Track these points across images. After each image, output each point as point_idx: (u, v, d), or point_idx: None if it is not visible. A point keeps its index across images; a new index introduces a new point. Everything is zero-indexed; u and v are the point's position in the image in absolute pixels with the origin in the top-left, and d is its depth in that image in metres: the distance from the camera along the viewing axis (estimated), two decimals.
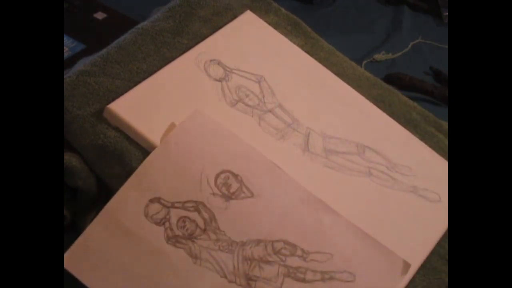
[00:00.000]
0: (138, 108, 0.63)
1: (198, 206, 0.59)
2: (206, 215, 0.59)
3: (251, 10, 0.77)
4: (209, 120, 0.64)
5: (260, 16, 0.77)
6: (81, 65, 0.67)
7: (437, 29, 1.02)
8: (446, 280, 0.62)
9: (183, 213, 0.59)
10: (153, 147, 0.61)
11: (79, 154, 0.63)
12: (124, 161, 0.61)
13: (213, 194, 0.60)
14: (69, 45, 0.84)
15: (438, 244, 0.64)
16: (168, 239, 0.58)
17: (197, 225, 0.59)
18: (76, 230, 0.62)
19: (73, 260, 0.57)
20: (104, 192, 0.63)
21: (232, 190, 0.60)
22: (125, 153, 0.61)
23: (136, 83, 0.66)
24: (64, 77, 0.65)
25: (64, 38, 0.84)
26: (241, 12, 0.76)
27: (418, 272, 0.62)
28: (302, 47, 0.77)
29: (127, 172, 0.60)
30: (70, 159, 0.62)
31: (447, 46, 0.97)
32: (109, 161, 0.62)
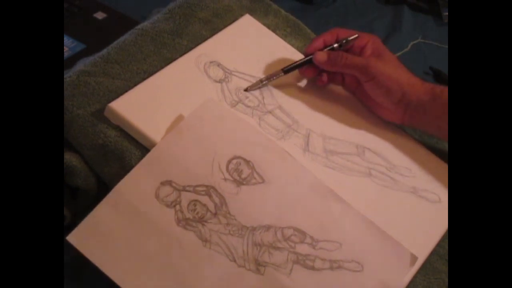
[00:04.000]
0: (140, 107, 0.63)
1: (209, 190, 0.60)
2: (217, 200, 0.59)
3: (251, 11, 0.77)
4: (221, 107, 0.64)
5: (260, 17, 0.77)
6: (81, 65, 0.67)
7: (437, 29, 1.02)
8: (447, 280, 0.62)
9: (194, 196, 0.59)
10: (154, 145, 0.61)
11: (79, 154, 0.63)
12: (124, 161, 0.61)
13: (225, 179, 0.60)
14: (69, 45, 0.84)
15: (438, 244, 0.64)
16: (179, 221, 0.58)
17: (207, 209, 0.59)
18: None
19: (81, 238, 0.57)
20: (104, 192, 0.63)
21: (243, 176, 0.61)
22: (125, 153, 0.62)
23: (136, 83, 0.66)
24: (65, 77, 0.65)
25: (64, 38, 0.84)
26: (241, 14, 0.77)
27: (418, 272, 0.62)
28: (301, 48, 0.77)
29: (127, 171, 0.60)
30: (70, 158, 0.62)
31: (447, 46, 0.97)
32: (109, 161, 0.62)
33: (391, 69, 0.67)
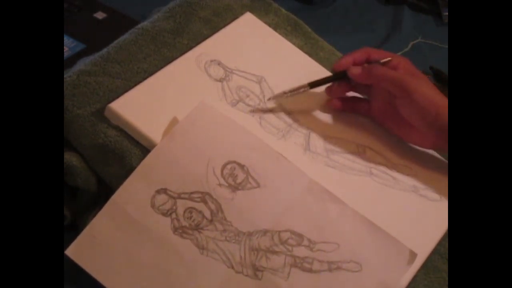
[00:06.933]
0: (139, 107, 0.63)
1: (204, 197, 0.59)
2: (212, 206, 0.59)
3: (252, 10, 0.77)
4: (215, 111, 0.64)
5: (260, 16, 0.77)
6: (81, 65, 0.67)
7: (437, 29, 1.02)
8: (447, 279, 0.62)
9: (190, 204, 0.59)
10: (154, 146, 0.61)
11: (79, 154, 0.63)
12: (124, 160, 0.61)
13: (220, 185, 0.60)
14: (69, 45, 0.84)
15: (439, 243, 0.64)
16: (175, 229, 0.58)
17: (203, 216, 0.59)
18: (76, 230, 0.62)
19: (80, 251, 0.57)
20: (104, 192, 0.63)
21: (238, 181, 0.60)
22: (125, 152, 0.61)
23: (136, 83, 0.66)
24: (65, 76, 0.65)
25: (64, 38, 0.84)
26: (241, 13, 0.76)
27: (419, 271, 0.62)
28: (302, 47, 0.77)
29: (127, 171, 0.60)
30: (70, 158, 0.62)
31: (447, 46, 0.97)
32: (109, 160, 0.62)
33: (426, 88, 0.65)
